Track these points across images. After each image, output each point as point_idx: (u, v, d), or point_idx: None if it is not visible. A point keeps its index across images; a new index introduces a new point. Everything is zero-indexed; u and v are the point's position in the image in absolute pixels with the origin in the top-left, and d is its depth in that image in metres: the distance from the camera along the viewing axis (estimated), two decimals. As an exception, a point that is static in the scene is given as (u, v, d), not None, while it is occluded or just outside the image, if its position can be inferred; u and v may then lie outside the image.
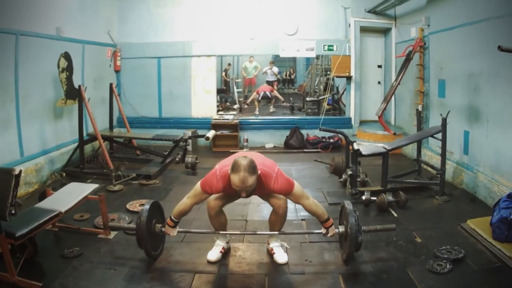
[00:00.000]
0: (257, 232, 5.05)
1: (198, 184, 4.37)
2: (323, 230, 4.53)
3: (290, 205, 6.29)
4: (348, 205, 4.55)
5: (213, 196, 4.49)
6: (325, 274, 4.40)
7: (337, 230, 4.51)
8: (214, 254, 4.65)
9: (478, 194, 6.50)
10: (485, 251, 4.71)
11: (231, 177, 3.98)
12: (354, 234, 4.31)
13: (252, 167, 3.93)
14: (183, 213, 4.46)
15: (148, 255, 4.54)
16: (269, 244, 4.76)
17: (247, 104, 14.71)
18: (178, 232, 4.60)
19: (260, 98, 13.65)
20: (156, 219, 4.63)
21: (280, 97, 14.70)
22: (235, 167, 3.93)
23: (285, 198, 4.49)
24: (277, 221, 4.61)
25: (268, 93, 13.85)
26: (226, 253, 4.78)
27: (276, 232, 4.66)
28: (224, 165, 4.28)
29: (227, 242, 4.82)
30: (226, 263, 4.62)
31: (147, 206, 4.52)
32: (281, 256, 4.61)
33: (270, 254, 4.70)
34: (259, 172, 4.01)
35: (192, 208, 4.51)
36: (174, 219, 4.47)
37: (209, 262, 4.59)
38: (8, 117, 6.80)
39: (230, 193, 4.36)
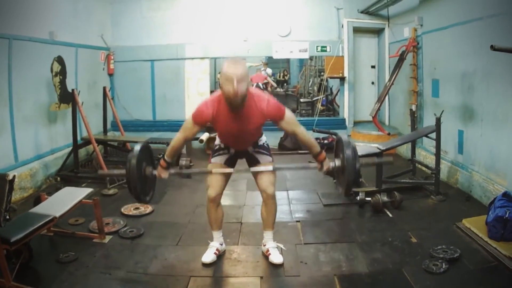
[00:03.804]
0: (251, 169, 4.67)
1: (189, 116, 4.27)
2: (317, 165, 4.41)
3: (285, 206, 6.36)
4: (344, 137, 4.39)
5: (212, 185, 4.49)
6: (320, 275, 4.39)
7: (332, 164, 4.36)
8: (208, 256, 4.63)
9: (473, 193, 6.51)
10: (481, 250, 4.72)
11: (223, 69, 3.89)
12: (352, 166, 4.08)
13: (244, 64, 4.02)
14: (175, 149, 4.38)
15: (138, 200, 4.42)
16: (264, 245, 4.75)
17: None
18: (170, 175, 4.43)
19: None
20: (147, 162, 4.42)
21: (273, 83, 14.66)
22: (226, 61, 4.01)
23: (273, 184, 4.52)
24: (269, 213, 4.62)
25: (260, 84, 13.83)
26: (221, 255, 4.76)
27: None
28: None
29: (221, 244, 4.80)
30: (221, 266, 4.61)
31: (137, 147, 4.30)
32: (276, 257, 4.59)
33: (266, 255, 4.69)
34: (251, 84, 4.11)
35: (183, 144, 4.52)
36: (167, 159, 4.36)
37: (204, 264, 4.57)
38: (2, 122, 6.78)
39: (222, 125, 4.25)
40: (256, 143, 4.57)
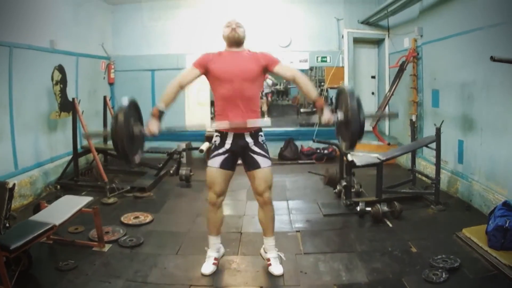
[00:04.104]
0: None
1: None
2: (318, 114, 4.30)
3: (285, 216, 6.36)
4: (347, 88, 4.37)
5: (212, 188, 4.45)
6: (320, 285, 4.37)
7: (335, 116, 4.26)
8: (208, 267, 4.60)
9: (473, 202, 6.51)
10: (481, 260, 4.71)
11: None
12: (357, 117, 4.04)
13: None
14: (169, 95, 4.36)
15: (126, 160, 4.25)
16: (266, 253, 4.70)
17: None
18: (160, 132, 4.33)
19: None
20: (134, 119, 4.30)
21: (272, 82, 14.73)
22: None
23: (270, 188, 4.50)
24: (267, 219, 4.58)
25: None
26: (220, 265, 4.74)
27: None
28: None
29: (218, 251, 4.75)
30: (221, 276, 4.58)
31: (124, 103, 4.18)
32: (276, 268, 4.55)
33: (266, 264, 4.66)
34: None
35: (177, 91, 4.41)
36: (160, 106, 4.32)
37: (204, 276, 4.54)
38: (2, 129, 6.79)
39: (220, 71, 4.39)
40: (256, 134, 4.49)
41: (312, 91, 4.36)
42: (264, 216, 4.58)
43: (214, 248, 4.70)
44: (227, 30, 4.49)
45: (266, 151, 4.56)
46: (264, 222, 4.62)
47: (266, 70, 4.45)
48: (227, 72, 4.33)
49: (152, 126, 4.24)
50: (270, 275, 4.54)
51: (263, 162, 4.47)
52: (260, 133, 4.55)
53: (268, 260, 4.63)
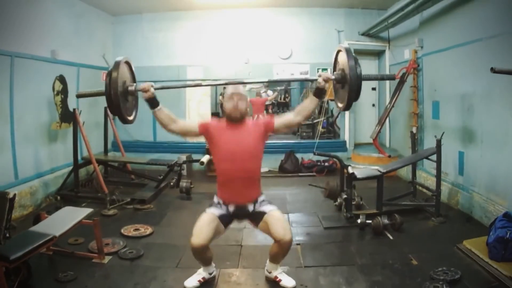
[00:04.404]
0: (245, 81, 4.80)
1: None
2: (317, 76, 4.28)
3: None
4: (345, 47, 4.31)
5: (196, 234, 4.26)
6: (321, 297, 4.36)
7: (332, 76, 4.31)
8: (192, 281, 4.55)
9: (474, 214, 6.50)
10: (482, 271, 4.70)
11: (225, 91, 4.43)
12: (354, 75, 4.03)
13: (244, 88, 4.47)
14: (166, 115, 4.46)
15: (122, 119, 4.35)
16: (270, 273, 4.65)
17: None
18: (155, 88, 4.47)
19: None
20: (128, 79, 4.45)
21: (272, 96, 14.70)
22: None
23: (289, 229, 4.36)
24: (281, 254, 4.45)
25: (261, 116, 13.81)
26: (220, 278, 4.73)
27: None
28: None
29: (210, 274, 4.69)
30: (221, 289, 4.56)
31: (117, 62, 4.28)
32: (288, 281, 4.53)
33: (275, 282, 4.59)
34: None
35: (171, 124, 4.44)
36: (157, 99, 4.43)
37: None
38: (3, 139, 6.80)
39: (222, 137, 4.36)
40: (256, 200, 4.46)
41: (308, 103, 4.41)
42: (278, 253, 4.45)
43: (207, 271, 4.66)
44: (229, 105, 4.32)
45: (269, 201, 4.54)
46: (276, 257, 4.54)
47: (268, 133, 4.48)
48: (229, 151, 4.32)
49: (145, 88, 4.40)
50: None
51: (267, 208, 4.43)
52: (261, 197, 4.52)
53: (276, 278, 4.60)
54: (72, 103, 8.74)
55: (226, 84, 4.64)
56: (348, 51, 4.17)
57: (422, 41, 8.56)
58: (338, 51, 4.43)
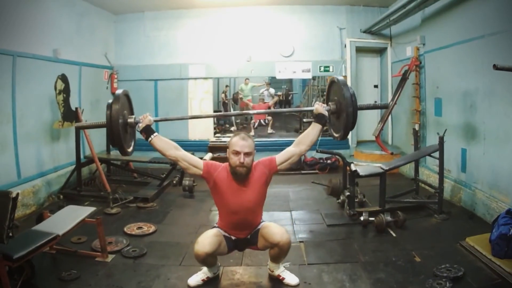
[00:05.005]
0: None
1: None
2: (313, 108, 4.40)
3: (288, 227, 6.34)
4: (339, 78, 4.36)
5: (201, 242, 4.26)
6: (324, 295, 4.36)
7: (327, 107, 4.37)
8: (195, 279, 4.55)
9: (477, 211, 6.50)
10: (485, 268, 4.70)
11: (231, 141, 4.25)
12: (350, 105, 4.08)
13: (252, 139, 4.29)
14: (166, 141, 4.38)
15: (121, 150, 4.37)
16: (273, 271, 4.64)
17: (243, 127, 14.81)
18: (154, 121, 4.43)
19: (256, 126, 13.55)
20: (127, 111, 4.44)
21: (270, 122, 14.61)
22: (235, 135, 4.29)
23: (286, 230, 4.41)
24: (281, 254, 4.46)
25: (262, 121, 13.80)
26: (224, 276, 4.73)
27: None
28: None
29: (215, 273, 4.67)
30: (224, 287, 4.57)
31: (117, 95, 4.24)
32: (291, 279, 4.54)
33: (279, 280, 4.58)
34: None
35: (171, 151, 4.36)
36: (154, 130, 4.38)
37: (188, 287, 4.51)
38: (5, 139, 6.81)
39: (225, 195, 4.31)
40: (256, 228, 4.49)
41: (311, 130, 4.40)
42: (279, 254, 4.44)
43: (211, 271, 4.64)
44: (234, 159, 4.19)
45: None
46: (277, 257, 4.53)
47: (272, 175, 4.45)
48: (231, 208, 4.32)
49: (146, 116, 4.37)
50: (273, 285, 4.55)
51: (260, 225, 4.49)
52: (260, 225, 4.53)
53: (279, 276, 4.59)
54: (74, 102, 8.77)
55: (224, 116, 4.58)
56: (343, 83, 4.24)
57: (424, 38, 8.54)
58: (332, 82, 4.48)
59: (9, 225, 3.83)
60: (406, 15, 8.67)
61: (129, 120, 4.36)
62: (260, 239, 4.42)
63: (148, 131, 4.32)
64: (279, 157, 4.39)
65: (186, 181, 8.22)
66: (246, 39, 11.05)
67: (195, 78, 11.12)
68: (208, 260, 4.36)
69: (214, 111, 11.95)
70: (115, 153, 10.03)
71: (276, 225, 4.44)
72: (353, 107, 4.09)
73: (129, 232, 6.09)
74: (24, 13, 7.17)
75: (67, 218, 4.93)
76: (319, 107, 4.34)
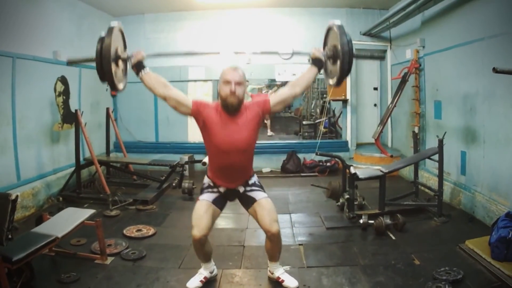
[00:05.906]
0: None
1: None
2: (310, 52, 4.49)
3: (288, 230, 6.33)
4: (336, 23, 4.43)
5: (197, 224, 4.24)
6: (324, 298, 4.36)
7: (323, 52, 4.47)
8: (194, 282, 4.54)
9: (476, 214, 6.49)
10: (484, 271, 4.69)
11: (222, 73, 4.19)
12: (347, 51, 4.10)
13: (242, 70, 4.26)
14: (156, 78, 4.37)
15: (112, 86, 4.28)
16: (272, 273, 4.65)
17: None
18: (147, 55, 4.38)
19: None
20: (120, 45, 4.35)
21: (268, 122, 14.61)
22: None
23: (277, 220, 4.31)
24: (274, 249, 4.46)
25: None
26: (223, 278, 4.73)
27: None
28: None
29: (211, 272, 4.69)
30: (224, 289, 4.56)
31: (110, 27, 4.14)
32: (291, 281, 4.52)
33: (278, 282, 4.59)
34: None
35: (162, 88, 4.37)
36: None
37: None
38: (5, 141, 6.80)
39: (213, 123, 4.19)
40: (247, 181, 4.43)
41: (307, 72, 4.50)
42: (271, 246, 4.43)
43: (207, 269, 4.65)
44: (225, 89, 4.10)
45: (260, 186, 4.51)
46: (271, 251, 4.52)
47: (265, 115, 4.42)
48: (221, 146, 4.19)
49: (139, 51, 4.31)
50: (273, 288, 4.52)
51: (258, 195, 4.39)
52: (251, 178, 4.50)
53: (279, 278, 4.59)
54: (74, 104, 8.76)
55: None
56: (340, 28, 4.29)
57: (424, 41, 8.55)
58: (330, 28, 4.57)
59: (8, 227, 3.83)
60: (406, 17, 8.68)
61: (121, 55, 4.27)
62: (252, 210, 4.39)
63: (139, 66, 4.27)
64: (274, 98, 4.34)
65: (186, 184, 8.22)
66: (246, 41, 11.02)
67: (195, 80, 11.11)
68: (205, 245, 4.37)
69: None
70: (114, 156, 10.06)
71: (272, 210, 4.32)
72: (349, 51, 4.10)
73: (128, 235, 6.08)
74: (24, 14, 7.17)
75: (67, 220, 4.93)
76: (316, 51, 4.43)
